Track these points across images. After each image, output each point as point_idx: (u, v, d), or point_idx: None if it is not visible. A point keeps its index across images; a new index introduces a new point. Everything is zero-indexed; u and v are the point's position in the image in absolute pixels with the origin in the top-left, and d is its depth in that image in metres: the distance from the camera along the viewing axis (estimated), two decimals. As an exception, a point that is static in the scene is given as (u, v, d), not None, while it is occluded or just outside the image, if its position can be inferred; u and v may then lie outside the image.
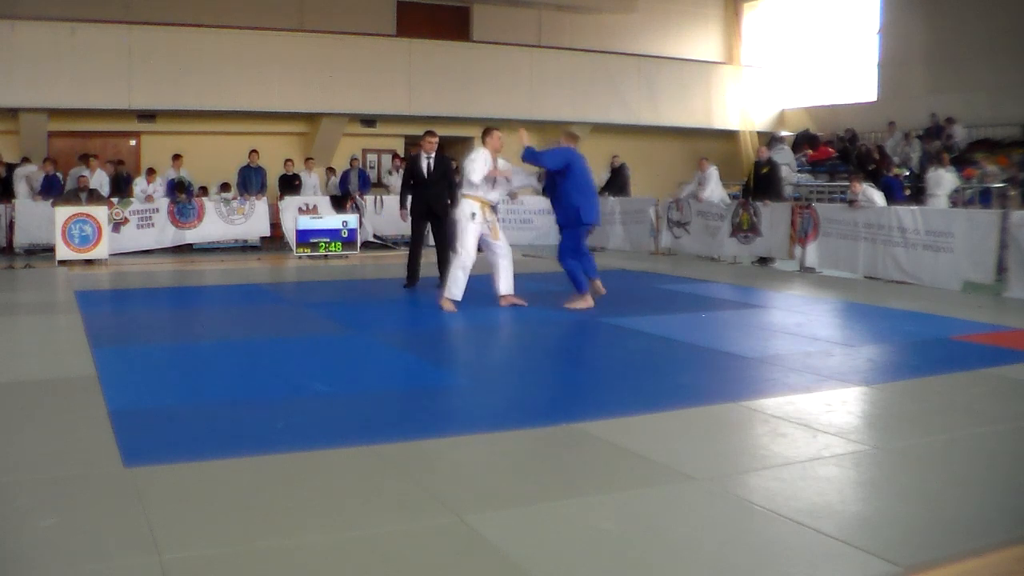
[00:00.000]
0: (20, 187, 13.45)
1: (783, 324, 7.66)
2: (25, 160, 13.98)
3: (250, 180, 14.39)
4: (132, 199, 13.48)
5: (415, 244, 9.64)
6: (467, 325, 7.91)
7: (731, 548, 3.00)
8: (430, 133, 9.51)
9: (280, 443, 4.05)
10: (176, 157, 14.49)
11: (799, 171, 17.30)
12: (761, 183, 12.75)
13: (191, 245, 13.99)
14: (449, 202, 9.23)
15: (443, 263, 9.08)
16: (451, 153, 18.59)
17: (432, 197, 9.31)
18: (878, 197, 11.09)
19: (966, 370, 5.69)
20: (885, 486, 3.68)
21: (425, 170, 9.33)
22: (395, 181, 15.95)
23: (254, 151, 14.60)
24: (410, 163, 9.72)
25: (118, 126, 15.79)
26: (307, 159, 15.60)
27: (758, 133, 20.08)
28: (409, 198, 9.69)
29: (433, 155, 9.38)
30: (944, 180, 12.61)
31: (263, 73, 15.47)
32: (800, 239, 11.71)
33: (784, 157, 17.02)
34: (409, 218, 9.66)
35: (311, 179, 15.11)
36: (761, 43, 20.79)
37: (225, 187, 14.42)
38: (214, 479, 3.58)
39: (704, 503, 3.43)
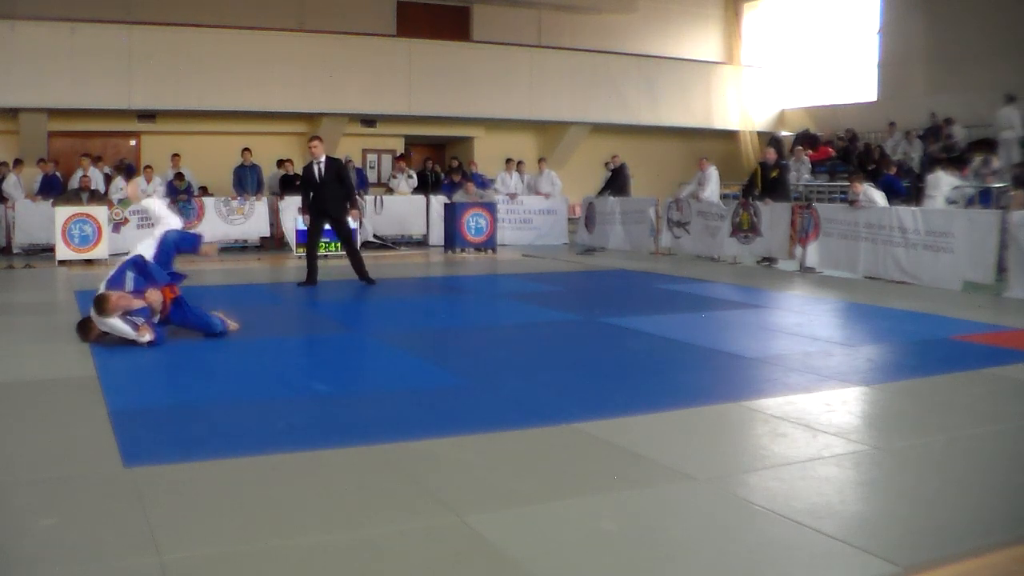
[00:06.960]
0: (15, 192, 13.42)
1: (783, 324, 7.65)
2: (16, 163, 13.92)
3: (245, 179, 14.37)
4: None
5: (311, 243, 10.10)
6: (466, 325, 7.92)
7: (731, 548, 3.00)
8: (315, 138, 10.12)
9: (280, 443, 4.05)
10: (175, 156, 14.52)
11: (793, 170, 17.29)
12: (769, 186, 12.63)
13: (191, 245, 13.97)
14: (348, 204, 9.95)
15: (354, 261, 9.99)
16: (453, 152, 18.75)
17: (326, 199, 9.79)
18: (879, 197, 11.08)
19: (966, 370, 5.69)
20: (885, 486, 3.68)
21: (317, 174, 9.83)
22: (397, 184, 15.97)
23: (246, 149, 14.55)
24: (304, 170, 10.22)
25: (118, 126, 15.80)
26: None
27: (758, 133, 20.08)
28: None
29: (323, 159, 9.87)
30: (942, 182, 12.59)
31: (263, 73, 15.47)
32: (800, 239, 11.69)
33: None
34: (308, 218, 10.09)
35: None
36: (761, 43, 20.80)
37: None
38: (214, 479, 3.58)
39: (704, 503, 3.43)
